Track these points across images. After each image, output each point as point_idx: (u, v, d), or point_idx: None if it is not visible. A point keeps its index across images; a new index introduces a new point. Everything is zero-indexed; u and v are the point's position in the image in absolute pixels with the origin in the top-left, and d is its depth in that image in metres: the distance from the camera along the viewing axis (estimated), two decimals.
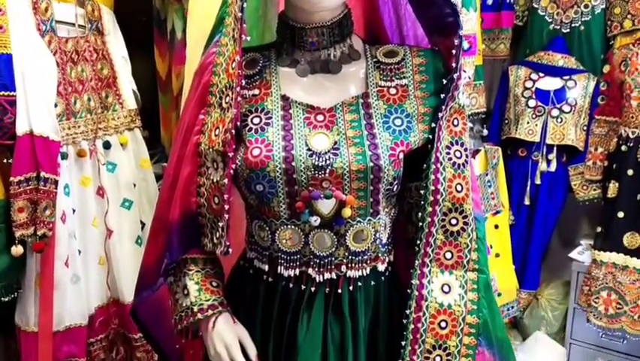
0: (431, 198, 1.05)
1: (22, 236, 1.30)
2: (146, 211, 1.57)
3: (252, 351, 1.07)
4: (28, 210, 1.31)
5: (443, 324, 1.05)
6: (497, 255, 2.72)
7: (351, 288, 1.06)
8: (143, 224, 1.58)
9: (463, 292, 1.06)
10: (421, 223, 1.06)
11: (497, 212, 2.76)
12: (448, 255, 1.07)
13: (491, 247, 2.66)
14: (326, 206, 1.01)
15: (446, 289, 1.06)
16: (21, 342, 1.35)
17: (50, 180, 1.31)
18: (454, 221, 1.07)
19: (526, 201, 2.87)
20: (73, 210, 1.43)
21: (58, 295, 1.36)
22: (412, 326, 1.04)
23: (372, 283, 1.09)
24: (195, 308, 1.07)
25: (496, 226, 2.76)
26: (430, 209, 1.05)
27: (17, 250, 1.29)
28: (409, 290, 1.06)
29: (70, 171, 1.42)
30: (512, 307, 2.84)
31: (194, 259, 1.12)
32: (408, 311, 1.05)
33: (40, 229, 1.31)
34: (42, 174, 1.30)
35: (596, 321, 2.64)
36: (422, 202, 1.06)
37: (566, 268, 3.05)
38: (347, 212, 1.01)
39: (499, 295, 2.74)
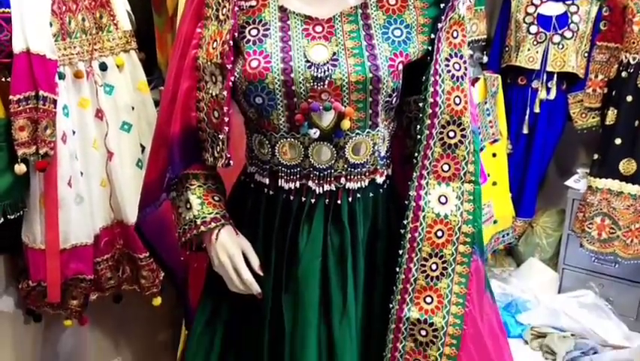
0: (429, 111, 1.06)
1: (24, 155, 1.31)
2: (145, 135, 1.58)
3: (255, 261, 1.10)
4: (29, 128, 1.32)
5: (439, 233, 1.08)
6: (494, 183, 2.75)
7: (350, 199, 1.08)
8: (143, 147, 1.59)
9: (460, 203, 1.08)
10: (419, 136, 1.08)
11: (495, 140, 2.77)
12: (446, 167, 1.09)
13: (489, 175, 2.69)
14: (325, 118, 1.02)
15: (443, 200, 1.08)
16: (29, 259, 1.39)
17: (49, 99, 1.31)
18: (451, 134, 1.08)
19: (525, 130, 2.88)
20: (74, 132, 1.44)
21: (62, 215, 1.39)
22: (409, 236, 1.07)
23: (371, 194, 1.11)
24: (198, 221, 1.09)
25: (494, 155, 2.78)
26: (428, 122, 1.06)
27: (20, 168, 1.31)
28: (406, 201, 1.09)
29: (68, 92, 1.42)
30: (508, 235, 2.90)
31: (195, 175, 1.13)
32: (405, 221, 1.08)
33: (42, 147, 1.32)
34: (40, 92, 1.30)
35: (589, 246, 2.70)
36: (420, 115, 1.07)
37: (562, 196, 3.09)
38: (346, 124, 1.02)
39: (495, 222, 2.79)
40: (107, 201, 1.51)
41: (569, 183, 2.93)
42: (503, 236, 2.86)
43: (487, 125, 2.73)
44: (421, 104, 1.06)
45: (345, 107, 1.01)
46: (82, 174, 1.46)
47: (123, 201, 1.51)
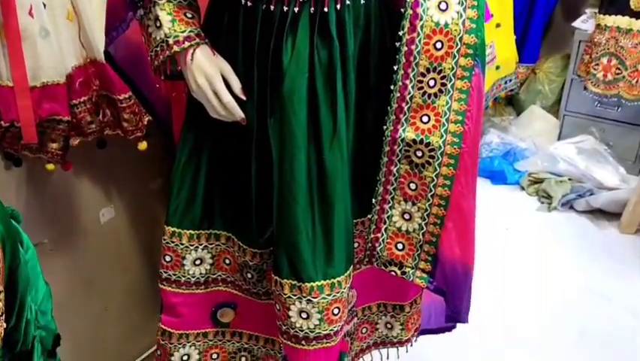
0: None
1: None
2: None
3: (236, 84, 1.01)
4: None
5: (439, 45, 0.97)
6: (498, 25, 2.58)
7: (338, 7, 0.96)
8: None
9: (462, 9, 0.96)
10: None
11: None
12: None
13: (492, 15, 2.52)
14: None
15: (443, 6, 0.96)
16: None
17: None
18: None
19: None
20: None
21: (28, 49, 1.28)
22: (405, 49, 0.97)
23: (362, 2, 0.99)
24: (170, 40, 0.98)
25: None
26: None
27: None
28: (402, 9, 0.97)
29: None
30: (510, 81, 2.79)
31: None
32: (401, 33, 0.97)
33: None
34: None
35: (593, 88, 2.60)
36: None
37: (567, 42, 2.94)
38: None
39: (497, 68, 2.66)
40: (76, 36, 1.38)
41: (576, 24, 2.77)
42: (505, 82, 2.75)
43: None
44: None
45: None
46: (45, 6, 1.32)
47: (94, 37, 1.39)
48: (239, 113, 1.01)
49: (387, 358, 1.42)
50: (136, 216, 1.80)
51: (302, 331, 1.06)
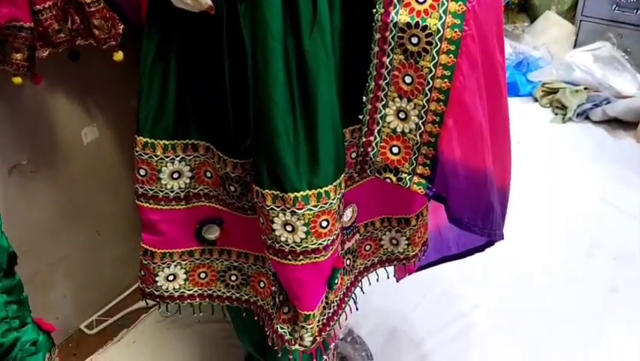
0: None
1: None
2: None
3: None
4: None
5: None
6: None
7: None
8: None
9: None
10: None
11: None
12: None
13: None
14: None
15: None
16: None
17: None
18: None
19: None
20: None
21: None
22: None
23: None
24: None
25: None
26: None
27: None
28: None
29: None
30: None
31: None
32: None
33: None
34: None
35: None
36: None
37: None
38: None
39: None
40: None
41: None
42: None
43: None
44: None
45: None
46: None
47: None
48: (205, 0, 0.88)
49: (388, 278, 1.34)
50: (122, 135, 1.70)
51: (287, 245, 0.97)
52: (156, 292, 1.16)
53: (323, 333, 1.09)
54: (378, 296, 1.69)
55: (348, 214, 1.11)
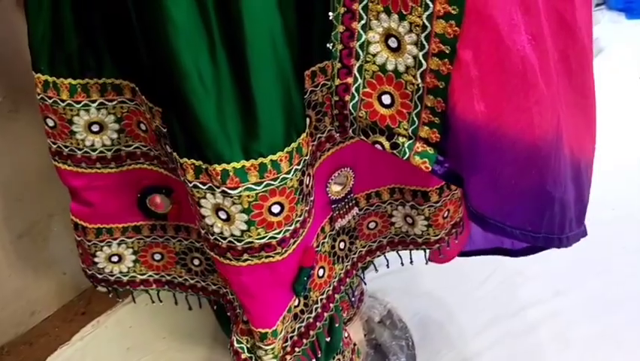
0: None
1: None
2: None
3: None
4: None
5: None
6: None
7: None
8: None
9: None
10: None
11: None
12: None
13: None
14: None
15: None
16: None
17: None
18: None
19: None
20: None
21: None
22: None
23: None
24: None
25: None
26: None
27: None
28: None
29: None
30: None
31: None
32: None
33: None
34: None
35: None
36: None
37: None
38: None
39: None
40: None
41: None
42: None
43: None
44: None
45: None
46: None
47: None
48: None
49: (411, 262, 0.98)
50: None
51: (224, 239, 0.66)
52: (99, 275, 0.90)
53: (298, 348, 0.78)
54: (431, 273, 1.36)
55: (340, 181, 0.78)
